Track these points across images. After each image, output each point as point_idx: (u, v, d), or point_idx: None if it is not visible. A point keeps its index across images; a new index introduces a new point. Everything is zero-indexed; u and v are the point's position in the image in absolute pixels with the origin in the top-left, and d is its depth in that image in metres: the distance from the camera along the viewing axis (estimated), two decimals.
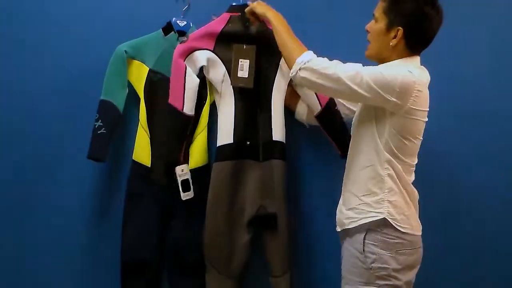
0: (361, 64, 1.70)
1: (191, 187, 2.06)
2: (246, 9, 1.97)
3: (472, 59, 2.22)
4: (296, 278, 2.17)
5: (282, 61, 2.06)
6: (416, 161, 1.77)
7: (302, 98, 2.11)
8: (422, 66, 1.76)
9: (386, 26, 1.71)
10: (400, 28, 1.68)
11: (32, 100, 2.15)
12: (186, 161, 2.09)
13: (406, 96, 1.64)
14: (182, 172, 2.05)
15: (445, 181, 2.23)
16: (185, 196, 2.05)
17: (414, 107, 1.66)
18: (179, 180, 2.05)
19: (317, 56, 1.73)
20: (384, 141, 1.71)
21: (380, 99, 1.65)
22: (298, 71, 1.71)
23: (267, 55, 2.07)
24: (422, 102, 1.68)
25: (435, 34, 1.71)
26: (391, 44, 1.70)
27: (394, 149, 1.70)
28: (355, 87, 1.65)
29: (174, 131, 2.04)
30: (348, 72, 1.66)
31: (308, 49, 1.76)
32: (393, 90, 1.63)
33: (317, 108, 2.05)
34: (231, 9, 2.10)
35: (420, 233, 1.76)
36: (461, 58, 2.21)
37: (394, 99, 1.64)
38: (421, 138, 1.75)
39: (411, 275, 1.74)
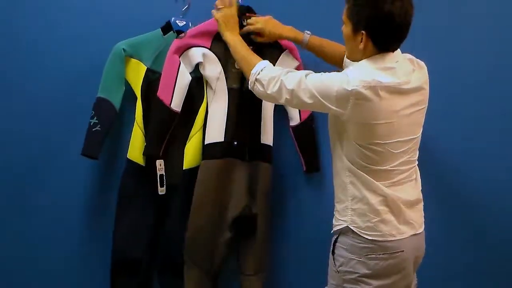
0: (310, 72, 1.70)
1: (164, 184, 2.07)
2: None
3: (473, 56, 2.18)
4: (278, 281, 2.17)
5: (277, 65, 2.05)
6: (394, 163, 1.68)
7: (285, 107, 2.16)
8: (398, 64, 1.66)
9: (352, 31, 1.67)
10: (363, 31, 1.63)
11: (28, 98, 2.17)
12: (180, 159, 2.08)
13: (344, 102, 1.60)
14: (160, 166, 2.06)
15: (446, 178, 2.21)
16: (160, 191, 2.07)
17: (357, 112, 1.60)
18: (158, 174, 2.05)
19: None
20: (345, 150, 1.70)
21: (324, 106, 1.65)
22: (254, 83, 1.76)
23: (262, 57, 2.04)
24: (368, 105, 1.59)
25: (405, 27, 1.63)
26: (359, 48, 1.65)
27: (355, 157, 1.67)
28: (301, 96, 1.67)
29: (158, 124, 2.04)
30: (294, 80, 1.68)
31: None
32: (331, 97, 1.61)
33: (296, 120, 2.13)
34: None
35: (400, 237, 1.69)
36: (461, 56, 2.18)
37: (335, 107, 1.62)
38: (392, 141, 1.65)
39: (388, 281, 1.68)
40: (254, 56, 1.84)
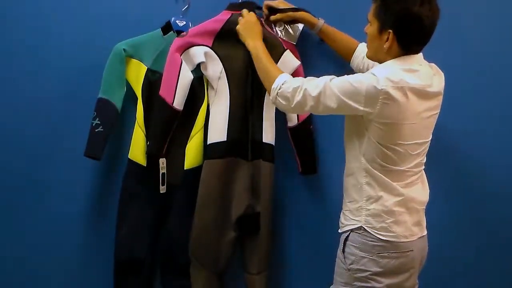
0: (333, 76, 1.70)
1: (165, 182, 2.08)
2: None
3: (476, 56, 2.19)
4: (278, 280, 2.20)
5: (277, 65, 2.02)
6: (410, 165, 1.71)
7: None
8: (422, 67, 1.70)
9: (378, 30, 1.68)
10: (390, 31, 1.64)
11: (29, 98, 2.16)
12: (181, 159, 2.08)
13: (373, 101, 1.61)
14: (162, 165, 2.07)
15: (450, 179, 2.21)
16: (162, 189, 2.08)
17: (385, 112, 1.62)
18: (160, 172, 2.06)
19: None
20: (364, 150, 1.71)
21: (351, 108, 1.65)
22: (276, 98, 1.76)
23: None
24: (396, 105, 1.62)
25: (431, 31, 1.66)
26: (384, 47, 1.67)
27: (375, 157, 1.69)
28: (327, 101, 1.67)
29: (160, 123, 2.04)
30: (318, 87, 1.68)
31: None
32: (360, 97, 1.62)
33: (294, 121, 2.13)
34: (231, 7, 2.10)
35: (412, 239, 1.72)
36: (463, 56, 2.18)
37: (363, 107, 1.63)
38: (412, 142, 1.68)
39: (397, 279, 1.71)
40: (274, 68, 1.84)
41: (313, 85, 1.70)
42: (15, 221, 2.19)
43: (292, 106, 1.73)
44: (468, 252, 2.22)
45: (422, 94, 1.66)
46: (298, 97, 1.71)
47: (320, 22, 2.05)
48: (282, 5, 2.08)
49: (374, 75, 1.62)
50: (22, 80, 2.16)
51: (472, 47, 2.18)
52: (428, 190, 1.82)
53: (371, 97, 1.61)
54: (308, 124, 2.14)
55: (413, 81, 1.63)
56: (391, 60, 1.68)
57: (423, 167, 1.79)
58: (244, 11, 2.02)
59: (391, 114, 1.63)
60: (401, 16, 1.62)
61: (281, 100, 1.76)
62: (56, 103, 2.16)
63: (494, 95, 2.19)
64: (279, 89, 1.75)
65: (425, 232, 1.80)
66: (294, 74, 2.08)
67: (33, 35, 2.15)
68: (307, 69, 2.12)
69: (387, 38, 1.66)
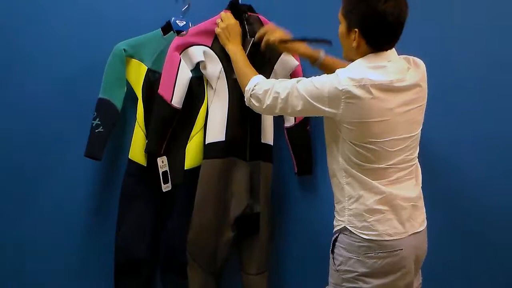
0: (302, 78, 1.73)
1: (169, 179, 2.08)
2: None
3: (474, 55, 2.16)
4: (278, 280, 2.20)
5: (276, 65, 2.07)
6: (391, 162, 1.68)
7: None
8: (391, 63, 1.66)
9: (346, 29, 1.68)
10: (356, 29, 1.64)
11: (30, 98, 2.18)
12: (181, 159, 2.09)
13: (336, 102, 1.62)
14: (162, 163, 2.08)
15: (448, 176, 2.20)
16: (165, 188, 2.08)
17: (351, 111, 1.61)
18: (160, 171, 2.06)
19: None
20: (340, 151, 1.71)
21: (317, 109, 1.67)
22: (250, 100, 1.80)
23: (263, 57, 2.06)
24: (360, 104, 1.60)
25: (398, 28, 1.63)
26: (353, 46, 1.67)
27: (351, 156, 1.68)
28: (294, 103, 1.70)
29: (159, 121, 2.05)
30: (286, 89, 1.71)
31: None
32: (324, 98, 1.63)
33: (291, 121, 2.13)
34: (231, 6, 2.09)
35: (399, 237, 1.68)
36: (462, 54, 2.16)
37: (328, 108, 1.64)
38: (387, 139, 1.65)
39: (387, 279, 1.68)
40: (250, 70, 1.87)
41: (282, 87, 1.72)
42: (15, 221, 2.20)
43: (264, 107, 1.77)
44: (468, 252, 2.21)
45: (390, 89, 1.63)
46: (268, 99, 1.74)
47: (322, 54, 1.99)
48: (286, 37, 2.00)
49: (337, 75, 1.63)
50: (23, 80, 2.17)
51: (467, 45, 2.16)
52: (420, 185, 1.79)
53: (334, 97, 1.62)
54: (305, 125, 2.14)
55: (377, 77, 1.62)
56: (359, 59, 1.67)
57: (414, 162, 1.75)
58: (223, 14, 2.02)
59: (356, 112, 1.62)
60: (365, 15, 1.62)
61: (254, 102, 1.79)
62: (56, 103, 2.17)
63: (488, 93, 2.17)
64: (252, 90, 1.79)
65: (420, 229, 1.75)
66: (293, 74, 2.10)
67: (34, 35, 2.16)
68: (309, 68, 2.10)
69: (355, 37, 1.65)
